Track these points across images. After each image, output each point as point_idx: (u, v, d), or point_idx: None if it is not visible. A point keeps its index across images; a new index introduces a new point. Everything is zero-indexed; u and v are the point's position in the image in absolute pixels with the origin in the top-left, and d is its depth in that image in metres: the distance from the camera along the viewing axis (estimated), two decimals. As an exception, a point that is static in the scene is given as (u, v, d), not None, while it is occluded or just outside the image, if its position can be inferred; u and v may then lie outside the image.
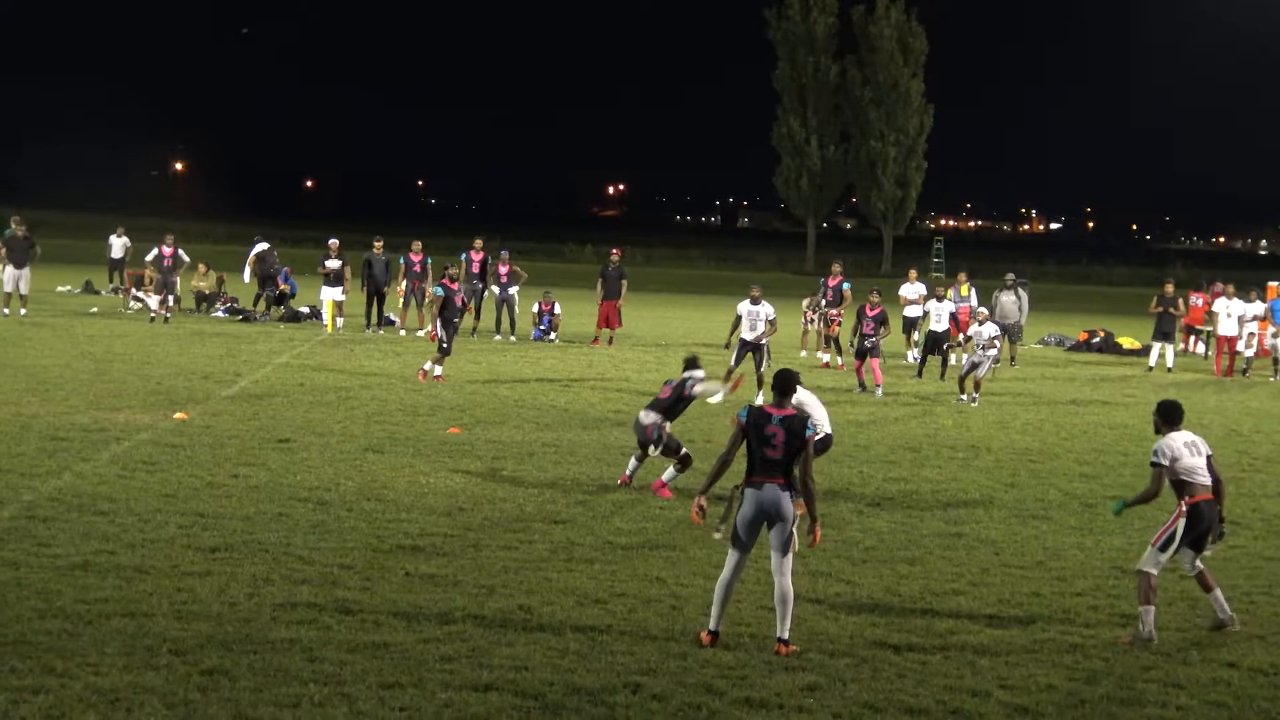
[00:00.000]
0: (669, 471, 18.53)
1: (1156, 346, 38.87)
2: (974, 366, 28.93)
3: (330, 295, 38.75)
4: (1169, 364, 38.42)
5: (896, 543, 16.07)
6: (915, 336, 38.18)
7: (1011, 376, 34.58)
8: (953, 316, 34.64)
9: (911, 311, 38.95)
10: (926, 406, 28.41)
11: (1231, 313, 38.10)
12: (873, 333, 30.03)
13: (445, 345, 28.77)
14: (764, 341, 28.88)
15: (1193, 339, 43.57)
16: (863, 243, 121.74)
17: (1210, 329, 40.26)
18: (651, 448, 18.61)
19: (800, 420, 12.15)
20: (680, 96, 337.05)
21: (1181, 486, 13.22)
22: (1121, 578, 14.90)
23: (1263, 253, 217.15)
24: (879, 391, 29.45)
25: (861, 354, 30.05)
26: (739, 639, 12.08)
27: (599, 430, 23.35)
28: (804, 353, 37.98)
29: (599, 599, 13.16)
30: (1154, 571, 12.95)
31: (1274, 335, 38.29)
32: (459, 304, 29.96)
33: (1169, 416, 13.49)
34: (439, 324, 29.02)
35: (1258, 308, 38.69)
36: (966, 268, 43.68)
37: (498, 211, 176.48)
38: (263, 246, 41.98)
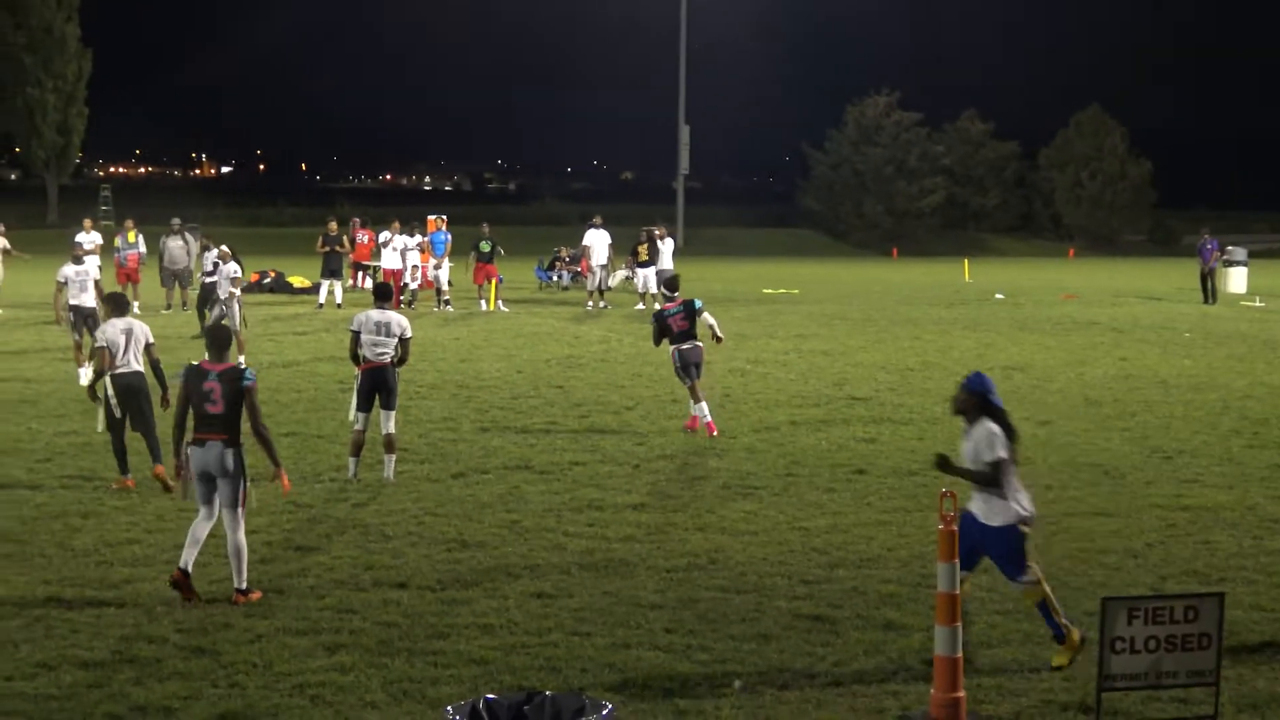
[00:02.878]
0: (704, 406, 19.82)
1: (325, 283, 39.80)
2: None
3: None
4: (338, 300, 39.44)
5: (69, 498, 15.73)
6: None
7: (184, 321, 34.41)
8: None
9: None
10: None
11: (395, 247, 39.50)
12: None
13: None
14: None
15: (360, 274, 44.62)
16: (28, 193, 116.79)
17: (377, 263, 41.48)
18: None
19: (237, 372, 12.13)
20: None
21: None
22: (368, 503, 15.28)
23: (426, 188, 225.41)
24: None
25: None
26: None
27: None
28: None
29: None
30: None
31: (435, 267, 40.07)
32: None
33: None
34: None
35: (419, 240, 40.35)
36: (135, 214, 42.94)
37: None
38: None
